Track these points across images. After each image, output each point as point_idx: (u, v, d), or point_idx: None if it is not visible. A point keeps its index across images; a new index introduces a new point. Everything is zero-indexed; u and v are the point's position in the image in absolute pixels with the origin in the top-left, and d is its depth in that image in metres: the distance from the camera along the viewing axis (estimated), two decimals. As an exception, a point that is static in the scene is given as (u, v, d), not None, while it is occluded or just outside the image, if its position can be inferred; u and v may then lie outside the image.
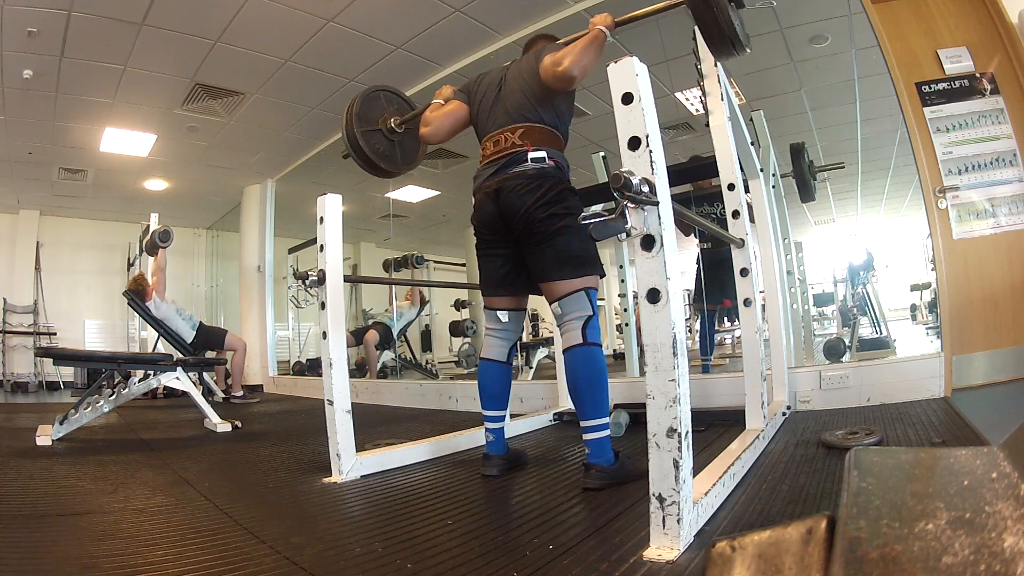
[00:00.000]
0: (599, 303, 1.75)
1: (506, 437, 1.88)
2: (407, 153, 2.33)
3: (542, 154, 1.71)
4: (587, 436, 1.59)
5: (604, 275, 1.76)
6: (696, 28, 1.63)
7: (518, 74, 1.80)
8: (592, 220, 1.11)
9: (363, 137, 2.16)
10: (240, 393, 4.78)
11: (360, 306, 7.15)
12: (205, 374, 4.69)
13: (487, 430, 1.83)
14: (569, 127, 1.85)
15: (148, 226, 4.81)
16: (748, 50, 1.60)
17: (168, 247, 4.38)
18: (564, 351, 1.67)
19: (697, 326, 3.98)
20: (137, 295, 4.33)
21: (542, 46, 1.90)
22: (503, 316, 1.84)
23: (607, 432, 1.59)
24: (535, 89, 1.74)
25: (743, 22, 1.59)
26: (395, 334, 5.52)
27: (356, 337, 5.44)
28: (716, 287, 3.46)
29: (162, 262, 4.38)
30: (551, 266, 1.68)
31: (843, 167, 4.50)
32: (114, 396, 2.89)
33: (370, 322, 5.84)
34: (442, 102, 1.95)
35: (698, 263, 3.66)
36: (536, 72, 1.73)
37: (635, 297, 3.79)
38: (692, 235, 3.58)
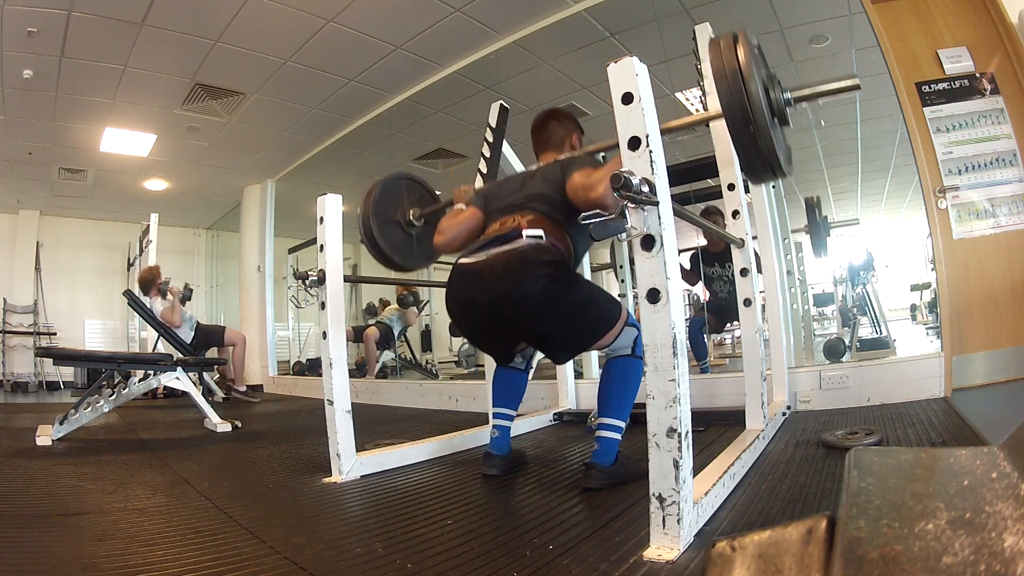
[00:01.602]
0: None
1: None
2: (425, 248, 2.16)
3: (539, 232, 1.58)
4: (600, 432, 1.59)
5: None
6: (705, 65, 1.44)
7: (542, 180, 1.74)
8: (592, 220, 1.11)
9: (379, 230, 2.04)
10: (243, 388, 4.78)
11: (360, 306, 7.15)
12: (205, 374, 4.69)
13: (494, 426, 1.83)
14: (584, 249, 1.78)
15: (148, 226, 4.81)
16: (788, 175, 1.31)
17: (184, 304, 4.48)
18: (610, 358, 1.67)
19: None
20: (144, 286, 4.39)
21: (562, 135, 1.90)
22: (515, 363, 1.90)
23: (619, 436, 1.60)
24: (557, 199, 1.67)
25: (785, 138, 1.31)
26: (395, 334, 5.53)
27: (356, 333, 5.46)
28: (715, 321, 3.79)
29: (177, 320, 4.41)
30: (593, 331, 1.62)
31: (857, 223, 4.62)
32: (114, 396, 2.88)
33: (370, 321, 5.85)
34: (463, 207, 1.85)
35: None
36: (562, 183, 1.65)
37: (635, 297, 3.81)
38: (699, 282, 3.76)
